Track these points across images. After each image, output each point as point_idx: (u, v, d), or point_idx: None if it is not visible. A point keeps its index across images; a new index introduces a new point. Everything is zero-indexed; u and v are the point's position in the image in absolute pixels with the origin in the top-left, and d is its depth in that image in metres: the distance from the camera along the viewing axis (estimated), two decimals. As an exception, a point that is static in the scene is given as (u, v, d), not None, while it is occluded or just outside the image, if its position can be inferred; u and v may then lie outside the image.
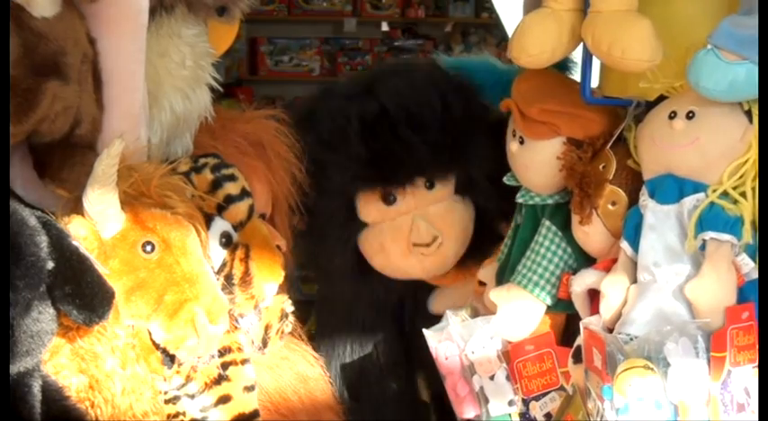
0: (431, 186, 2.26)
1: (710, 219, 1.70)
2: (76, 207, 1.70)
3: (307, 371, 2.17)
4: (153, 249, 1.72)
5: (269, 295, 1.99)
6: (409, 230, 2.24)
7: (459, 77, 2.27)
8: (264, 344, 2.03)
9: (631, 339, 1.72)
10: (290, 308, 2.09)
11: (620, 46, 1.76)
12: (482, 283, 2.21)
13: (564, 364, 1.96)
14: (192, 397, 1.83)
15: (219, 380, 1.84)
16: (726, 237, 1.69)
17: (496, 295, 2.06)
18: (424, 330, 2.11)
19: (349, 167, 2.20)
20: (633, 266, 1.81)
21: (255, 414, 1.88)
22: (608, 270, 1.86)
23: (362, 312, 2.42)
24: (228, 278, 1.92)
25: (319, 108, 2.29)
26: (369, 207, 2.27)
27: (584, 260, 1.99)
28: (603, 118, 1.99)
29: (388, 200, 2.26)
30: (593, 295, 1.90)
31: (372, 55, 7.11)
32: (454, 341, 2.06)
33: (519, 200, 2.11)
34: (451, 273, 2.33)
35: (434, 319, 2.22)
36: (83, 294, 1.58)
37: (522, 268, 2.05)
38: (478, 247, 2.30)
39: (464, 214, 2.29)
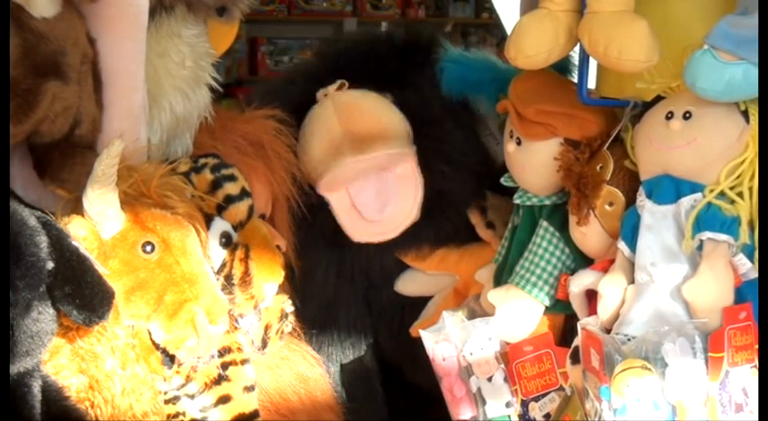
0: None
1: (708, 219, 1.71)
2: (76, 207, 1.70)
3: (307, 372, 2.17)
4: (153, 249, 1.72)
5: (269, 295, 1.99)
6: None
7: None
8: (264, 344, 2.04)
9: (629, 339, 1.72)
10: (289, 308, 2.10)
11: (616, 46, 1.76)
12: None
13: (563, 365, 1.96)
14: (192, 397, 1.83)
15: (219, 380, 1.84)
16: (723, 237, 1.69)
17: (495, 296, 2.06)
18: (421, 331, 2.11)
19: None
20: (631, 267, 1.81)
21: (255, 414, 1.88)
22: (605, 270, 1.86)
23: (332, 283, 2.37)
24: (228, 278, 1.92)
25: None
26: None
27: (582, 261, 1.99)
28: (600, 118, 1.99)
29: None
30: (591, 296, 1.91)
31: (373, 55, 7.10)
32: (452, 342, 2.06)
33: (516, 201, 2.11)
34: (431, 259, 2.32)
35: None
36: (83, 294, 1.59)
37: (519, 269, 2.05)
38: (446, 223, 2.27)
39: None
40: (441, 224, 2.27)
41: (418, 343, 2.16)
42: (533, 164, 2.04)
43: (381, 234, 2.24)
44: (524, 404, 2.00)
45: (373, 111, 2.23)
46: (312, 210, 2.20)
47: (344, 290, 2.34)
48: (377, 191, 2.21)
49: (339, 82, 2.26)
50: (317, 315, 2.31)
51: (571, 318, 1.98)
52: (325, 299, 2.33)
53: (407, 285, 2.37)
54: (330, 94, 2.25)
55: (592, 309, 1.89)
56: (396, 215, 2.23)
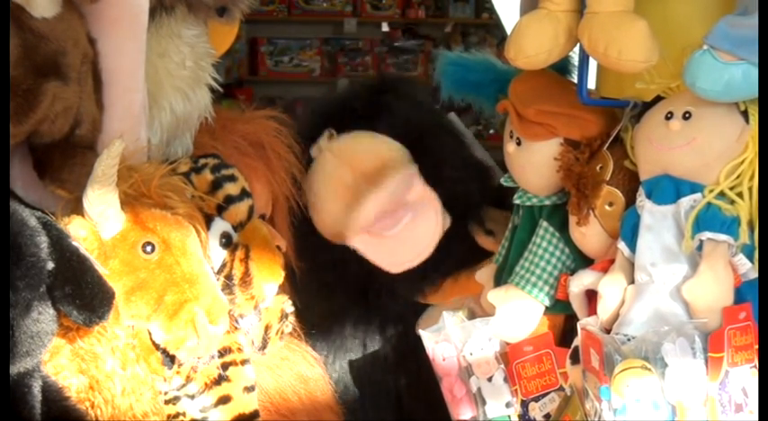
0: None
1: (707, 219, 1.71)
2: (76, 207, 1.70)
3: (307, 372, 2.17)
4: (153, 250, 1.72)
5: (269, 295, 1.99)
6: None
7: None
8: (264, 344, 2.04)
9: (629, 340, 1.72)
10: (290, 308, 2.10)
11: (616, 47, 1.76)
12: None
13: (563, 365, 1.96)
14: (192, 397, 1.83)
15: (219, 380, 1.84)
16: (723, 237, 1.69)
17: (494, 296, 2.06)
18: (421, 331, 2.11)
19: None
20: (630, 267, 1.81)
21: (255, 414, 1.88)
22: (605, 271, 1.86)
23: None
24: (228, 278, 1.92)
25: None
26: None
27: (582, 261, 1.99)
28: (600, 119, 1.99)
29: None
30: (591, 296, 1.91)
31: (372, 55, 7.12)
32: (452, 342, 2.06)
33: (516, 201, 2.11)
34: (442, 291, 2.32)
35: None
36: (83, 295, 1.59)
37: (519, 269, 2.05)
38: (455, 254, 2.27)
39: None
40: (464, 228, 2.28)
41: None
42: (533, 164, 2.04)
43: (417, 255, 2.24)
44: (524, 404, 2.00)
45: (371, 147, 2.24)
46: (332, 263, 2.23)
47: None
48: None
49: (327, 133, 2.25)
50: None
51: (571, 318, 1.98)
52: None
53: (431, 324, 2.35)
54: (324, 146, 2.25)
55: (592, 309, 1.89)
56: (422, 231, 2.23)
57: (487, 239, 2.30)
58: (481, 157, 2.44)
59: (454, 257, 2.27)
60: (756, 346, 1.67)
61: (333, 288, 2.32)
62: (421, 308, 2.34)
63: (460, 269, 2.30)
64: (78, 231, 1.68)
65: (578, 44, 1.88)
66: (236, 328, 1.91)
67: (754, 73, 1.64)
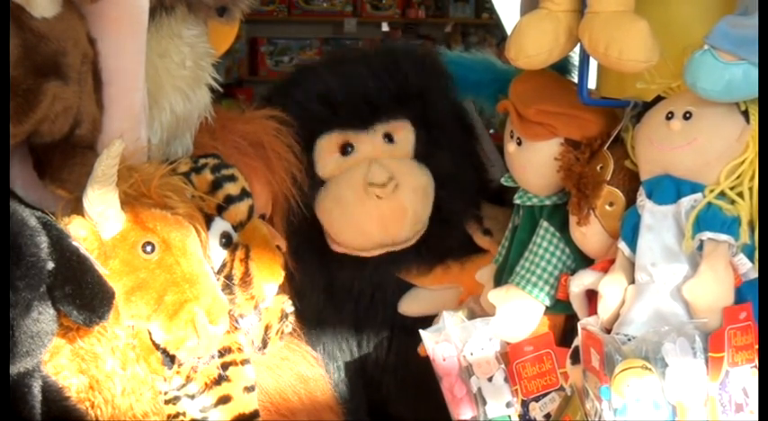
0: (389, 140, 2.26)
1: (708, 219, 1.71)
2: (76, 207, 1.71)
3: (307, 372, 2.17)
4: (153, 250, 1.72)
5: (269, 295, 1.99)
6: (365, 173, 2.19)
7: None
8: (264, 344, 2.04)
9: (629, 339, 1.72)
10: (290, 308, 2.10)
11: (617, 47, 1.76)
12: None
13: (563, 365, 1.96)
14: (192, 397, 1.83)
15: (219, 380, 1.84)
16: (723, 237, 1.69)
17: (495, 296, 2.06)
18: (421, 331, 2.11)
19: (308, 109, 2.21)
20: (631, 267, 1.81)
21: (255, 414, 1.88)
22: (606, 271, 1.86)
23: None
24: (228, 278, 1.92)
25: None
26: (326, 159, 2.24)
27: (582, 261, 1.99)
28: (601, 119, 1.99)
29: (346, 151, 2.24)
30: (592, 296, 1.91)
31: (373, 55, 7.10)
32: (452, 342, 2.06)
33: (517, 201, 2.11)
34: (433, 274, 2.32)
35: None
36: (83, 295, 1.59)
37: (520, 269, 2.05)
38: (446, 240, 2.28)
39: (422, 174, 2.25)
40: (442, 239, 2.28)
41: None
42: (534, 164, 2.04)
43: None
44: (525, 404, 2.00)
45: (420, 216, 2.23)
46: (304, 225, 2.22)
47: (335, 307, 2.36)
48: None
49: (393, 185, 2.17)
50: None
51: (571, 318, 1.98)
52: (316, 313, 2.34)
53: (411, 305, 2.36)
54: (370, 192, 2.18)
55: (592, 309, 1.89)
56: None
57: (485, 239, 2.30)
58: (488, 150, 2.44)
59: (449, 240, 2.28)
60: (756, 346, 1.67)
61: (326, 288, 2.32)
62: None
63: (455, 257, 2.31)
64: (78, 231, 1.68)
65: (579, 44, 1.88)
66: (236, 328, 1.91)
67: (754, 73, 1.64)
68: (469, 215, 2.30)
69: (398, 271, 2.31)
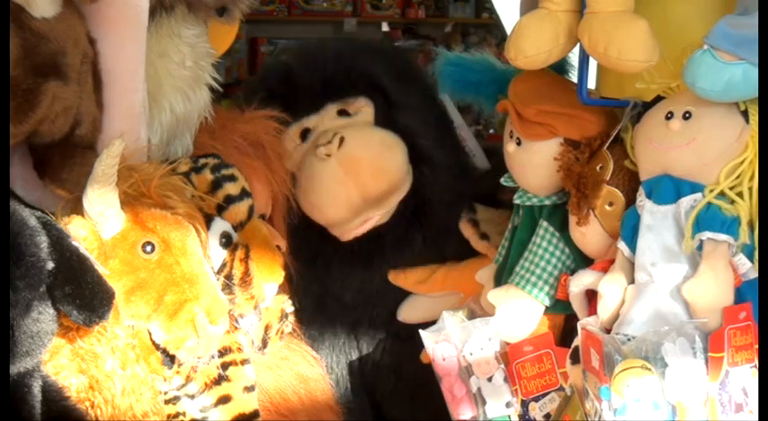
0: (345, 115, 2.27)
1: (707, 219, 1.71)
2: (76, 207, 1.70)
3: (307, 372, 2.17)
4: (153, 249, 1.72)
5: (269, 295, 1.99)
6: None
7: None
8: (264, 344, 2.04)
9: (629, 339, 1.72)
10: (290, 308, 2.10)
11: (616, 47, 1.76)
12: None
13: (563, 365, 1.96)
14: (192, 397, 1.83)
15: (219, 380, 1.84)
16: (723, 237, 1.69)
17: (495, 296, 2.06)
18: (421, 331, 2.11)
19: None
20: (631, 267, 1.81)
21: (255, 414, 1.88)
22: (605, 270, 1.86)
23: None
24: (228, 278, 1.92)
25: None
26: (290, 153, 2.24)
27: (582, 261, 1.99)
28: (600, 119, 1.99)
29: (306, 137, 2.25)
30: (591, 296, 1.91)
31: (373, 55, 7.10)
32: (452, 342, 2.06)
33: (516, 201, 2.11)
34: (431, 281, 2.32)
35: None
36: (83, 294, 1.59)
37: (519, 269, 2.05)
38: (434, 218, 2.27)
39: (378, 131, 2.24)
40: (427, 229, 2.27)
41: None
42: (533, 164, 2.04)
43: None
44: (524, 404, 2.01)
45: (381, 164, 2.20)
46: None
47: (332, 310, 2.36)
48: None
49: (336, 139, 2.17)
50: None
51: (571, 318, 1.98)
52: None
53: (411, 312, 2.36)
54: (333, 152, 2.17)
55: (592, 309, 1.89)
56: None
57: (482, 243, 2.30)
58: (468, 140, 2.45)
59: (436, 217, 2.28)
60: (756, 346, 1.67)
61: (326, 288, 2.32)
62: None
63: (452, 258, 2.32)
64: (78, 231, 1.68)
65: (578, 44, 1.88)
66: (236, 328, 1.91)
67: (754, 73, 1.64)
68: (457, 205, 2.30)
69: (395, 261, 2.31)
